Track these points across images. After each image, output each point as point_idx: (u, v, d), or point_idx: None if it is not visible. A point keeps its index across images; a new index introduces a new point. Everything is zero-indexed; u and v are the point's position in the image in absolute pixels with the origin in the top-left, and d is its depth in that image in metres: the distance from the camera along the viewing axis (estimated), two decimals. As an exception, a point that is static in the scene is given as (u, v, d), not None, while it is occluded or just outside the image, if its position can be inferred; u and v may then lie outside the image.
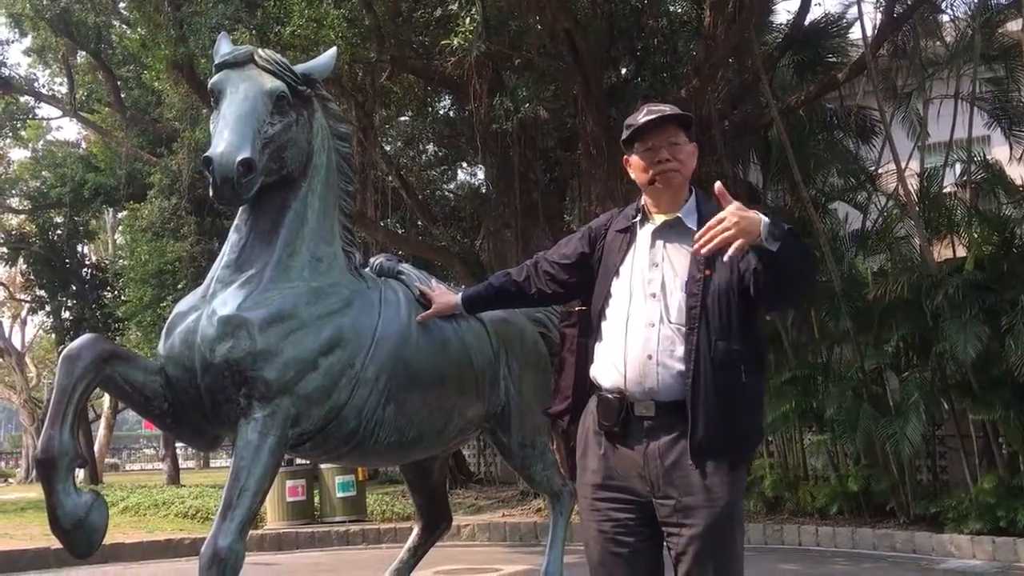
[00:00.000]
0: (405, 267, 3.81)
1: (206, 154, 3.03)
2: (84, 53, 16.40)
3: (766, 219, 2.45)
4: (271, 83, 3.23)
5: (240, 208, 3.38)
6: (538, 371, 4.22)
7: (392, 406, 3.42)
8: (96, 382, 3.04)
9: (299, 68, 3.39)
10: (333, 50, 3.65)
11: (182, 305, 3.36)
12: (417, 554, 4.34)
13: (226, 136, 3.05)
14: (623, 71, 12.93)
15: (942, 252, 10.28)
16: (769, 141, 11.15)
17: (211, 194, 3.06)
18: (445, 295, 3.66)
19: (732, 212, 2.43)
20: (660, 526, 2.64)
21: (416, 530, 4.41)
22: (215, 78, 3.29)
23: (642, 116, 2.76)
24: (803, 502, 9.77)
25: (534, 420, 4.15)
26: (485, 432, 4.15)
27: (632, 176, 2.85)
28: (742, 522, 2.70)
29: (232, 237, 3.38)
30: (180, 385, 3.20)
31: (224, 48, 3.37)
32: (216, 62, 3.33)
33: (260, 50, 3.33)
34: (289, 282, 3.27)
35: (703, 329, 2.60)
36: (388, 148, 15.37)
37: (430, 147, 16.41)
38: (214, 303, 3.21)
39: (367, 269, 3.75)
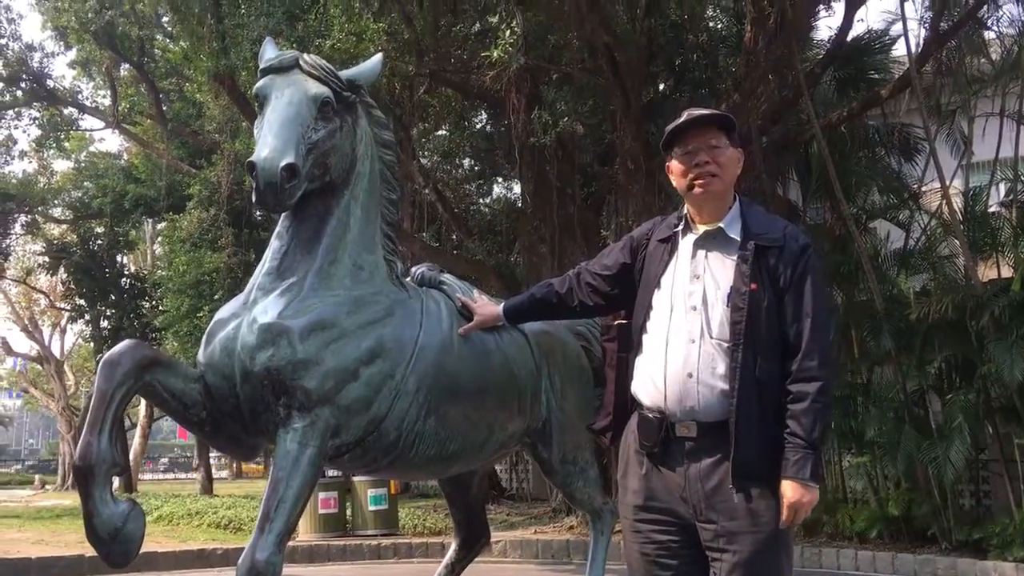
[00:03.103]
0: (447, 277, 3.76)
1: (250, 159, 2.99)
2: (127, 66, 16.62)
3: (810, 488, 2.49)
4: (316, 88, 3.20)
5: (282, 215, 3.35)
6: (581, 385, 4.14)
7: (433, 418, 3.36)
8: (136, 388, 3.01)
9: (344, 74, 3.35)
10: (379, 56, 3.62)
11: (223, 312, 3.33)
12: (455, 571, 4.27)
13: (270, 141, 3.02)
14: (662, 86, 12.89)
15: (987, 272, 10.09)
16: (810, 158, 11.02)
17: (254, 199, 3.02)
18: (487, 306, 3.61)
19: (794, 516, 2.50)
20: (703, 553, 2.56)
21: (454, 545, 4.34)
22: (260, 83, 3.27)
23: (681, 119, 2.69)
24: (842, 525, 9.58)
25: (576, 436, 4.06)
26: (525, 447, 4.07)
27: (673, 183, 2.78)
28: (789, 547, 2.59)
29: (274, 244, 3.35)
30: (219, 393, 3.16)
31: (269, 53, 3.35)
32: (261, 67, 3.31)
33: (305, 55, 3.31)
34: (330, 290, 3.22)
35: (748, 346, 2.51)
36: (425, 161, 15.41)
37: (467, 161, 16.44)
38: (255, 310, 3.18)
39: (409, 279, 3.70)
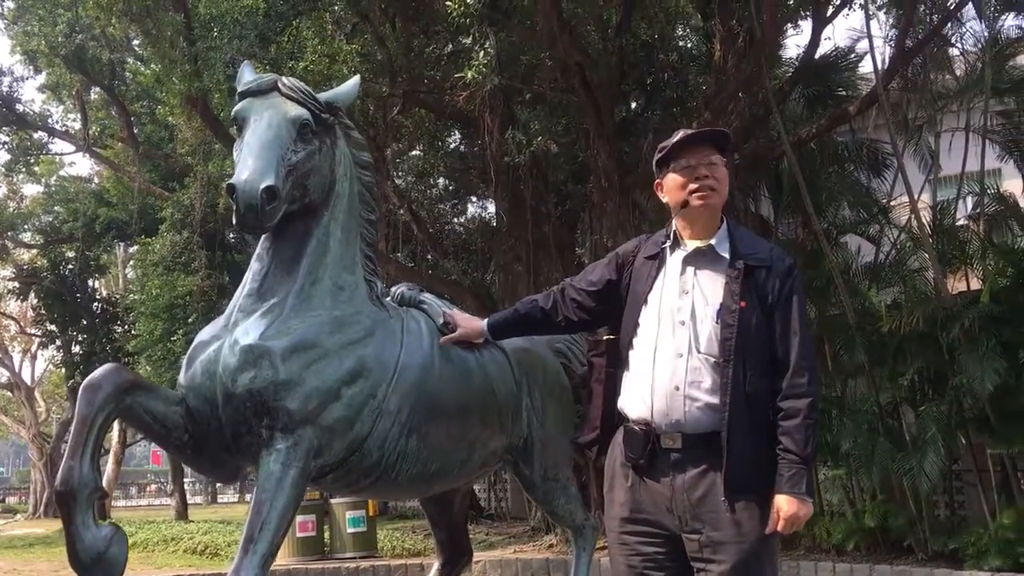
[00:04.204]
0: (427, 297, 3.77)
1: (229, 181, 3.00)
2: (98, 89, 16.55)
3: (806, 502, 2.56)
4: (295, 111, 3.21)
5: (262, 237, 3.36)
6: (561, 403, 4.16)
7: (415, 437, 3.36)
8: (117, 412, 3.00)
9: (323, 96, 3.37)
10: (356, 78, 3.64)
11: (204, 334, 3.32)
12: (437, 590, 4.27)
13: (250, 163, 3.03)
14: (634, 105, 13.01)
15: (956, 285, 10.22)
16: (780, 174, 11.14)
17: (234, 221, 3.03)
18: (471, 320, 3.64)
19: (787, 528, 2.56)
20: (689, 564, 2.59)
21: (436, 565, 4.34)
22: (239, 106, 3.28)
23: (679, 136, 2.74)
24: (819, 538, 9.63)
25: (557, 452, 4.09)
26: (507, 464, 4.08)
27: (664, 200, 2.81)
28: (774, 557, 2.63)
29: (254, 266, 3.35)
30: (201, 416, 3.15)
31: (247, 76, 3.36)
32: (240, 90, 3.32)
33: (284, 78, 3.32)
34: (312, 311, 3.23)
35: (739, 361, 2.56)
36: (400, 182, 15.44)
37: (441, 181, 16.47)
38: (236, 332, 3.17)
39: (389, 298, 3.72)
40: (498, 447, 3.86)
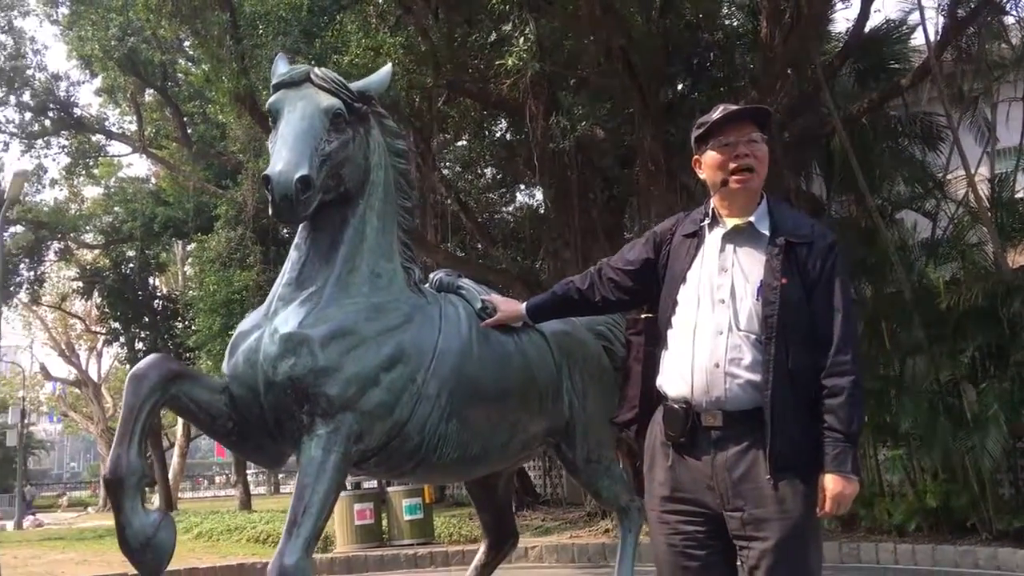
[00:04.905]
0: (465, 282, 3.80)
1: (265, 172, 3.06)
2: (152, 91, 16.89)
3: (851, 480, 2.53)
4: (327, 101, 3.25)
5: (300, 226, 3.41)
6: (602, 385, 4.15)
7: (455, 421, 3.39)
8: (163, 401, 3.08)
9: (355, 85, 3.40)
10: (388, 67, 3.66)
11: (245, 324, 3.39)
12: (484, 573, 4.30)
13: (284, 154, 3.07)
14: (680, 86, 12.86)
15: (1016, 259, 9.97)
16: (832, 151, 10.95)
17: (270, 212, 3.08)
18: (509, 303, 3.65)
19: (833, 507, 2.53)
20: (730, 543, 2.58)
21: (483, 548, 4.37)
22: (272, 98, 3.33)
23: (718, 112, 2.70)
24: (880, 519, 9.48)
25: (599, 434, 4.08)
26: (549, 447, 4.10)
27: (702, 177, 2.78)
28: (818, 536, 2.61)
29: (292, 255, 3.40)
30: (244, 403, 3.22)
31: (281, 68, 3.41)
32: (273, 82, 3.38)
33: (316, 69, 3.36)
34: (349, 298, 3.27)
35: (780, 339, 2.53)
36: (447, 172, 15.49)
37: (488, 170, 16.49)
38: (276, 321, 3.23)
39: (427, 285, 3.75)
40: (539, 430, 3.87)
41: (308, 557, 2.97)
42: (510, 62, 9.13)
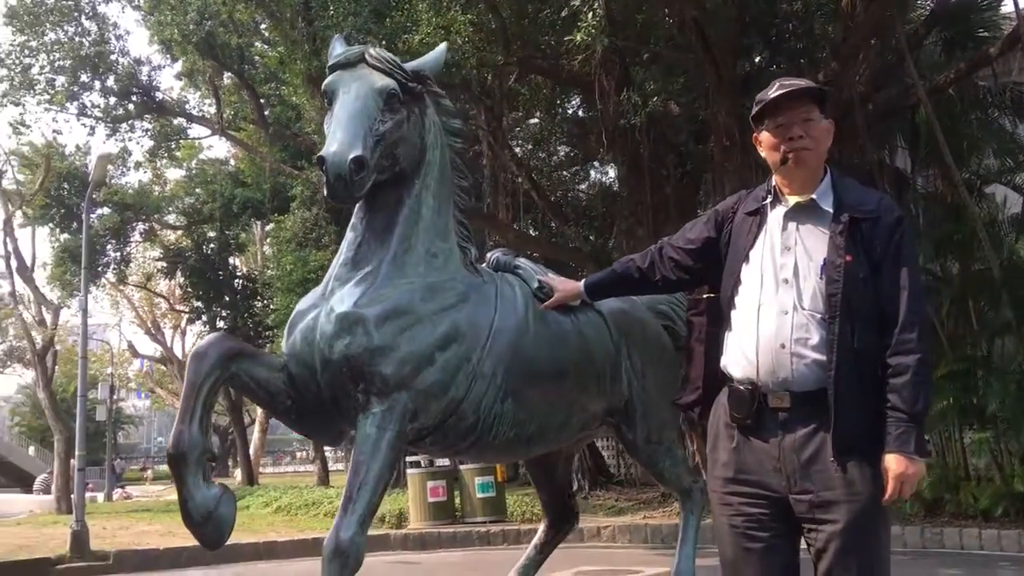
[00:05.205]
0: (522, 261, 3.77)
1: (319, 153, 3.07)
2: (229, 74, 17.20)
3: (915, 461, 2.45)
4: (381, 81, 3.24)
5: (357, 207, 3.42)
6: (662, 364, 4.08)
7: (510, 400, 3.38)
8: (223, 379, 3.13)
9: (410, 65, 3.39)
10: (443, 46, 3.65)
11: (303, 303, 3.43)
12: (544, 551, 4.30)
13: (338, 135, 3.08)
14: (757, 59, 12.57)
15: (1114, 234, 9.54)
16: (917, 123, 10.63)
17: (325, 193, 3.10)
18: (567, 282, 3.62)
19: (898, 488, 2.45)
20: (795, 523, 2.52)
21: (543, 527, 4.37)
22: (328, 80, 3.34)
23: (773, 91, 2.63)
24: (965, 504, 9.21)
25: (660, 415, 4.03)
26: (609, 427, 4.06)
27: (762, 155, 2.72)
28: (886, 519, 2.54)
29: (349, 235, 3.42)
30: (302, 381, 3.25)
31: (337, 50, 3.42)
32: (329, 64, 3.38)
33: (371, 49, 3.36)
34: (404, 278, 3.27)
35: (845, 317, 2.47)
36: (518, 150, 15.44)
37: (561, 148, 16.39)
38: (332, 300, 3.25)
39: (484, 264, 3.73)
40: (597, 410, 3.83)
41: (363, 532, 3.01)
42: (579, 38, 9.02)
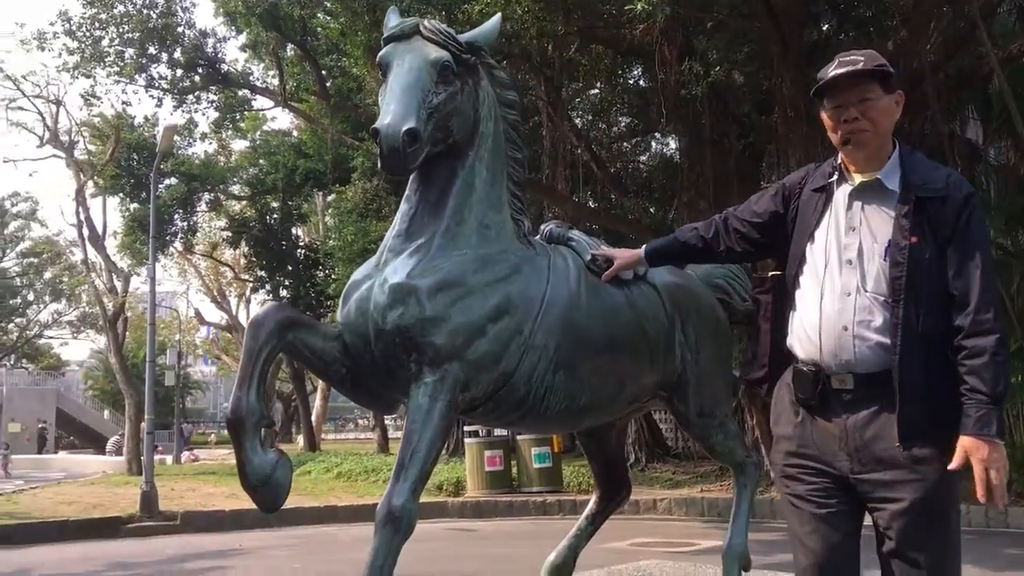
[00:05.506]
0: (575, 234, 3.76)
1: (374, 126, 3.09)
2: (292, 46, 17.35)
3: (997, 444, 2.37)
4: (435, 53, 3.24)
5: (410, 179, 3.44)
6: (717, 338, 4.05)
7: (562, 372, 3.38)
8: (280, 347, 3.19)
9: (463, 37, 3.38)
10: (497, 16, 3.62)
11: (357, 274, 3.47)
12: (595, 522, 4.31)
13: (392, 108, 3.09)
14: (824, 27, 12.29)
15: None
16: (990, 94, 10.31)
17: (379, 165, 3.12)
18: (624, 251, 3.59)
19: (986, 475, 2.35)
20: (858, 502, 2.51)
21: (594, 498, 4.38)
22: (382, 52, 3.35)
23: (832, 69, 2.56)
24: (1031, 484, 9.03)
25: (713, 389, 4.00)
26: (662, 401, 4.05)
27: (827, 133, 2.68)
28: (957, 499, 2.49)
29: (403, 207, 3.44)
30: (356, 351, 3.30)
31: (392, 22, 3.43)
32: (384, 36, 3.40)
33: (426, 21, 3.36)
34: (457, 249, 3.29)
35: (909, 301, 2.43)
36: (578, 122, 15.33)
37: (621, 119, 16.23)
38: (386, 271, 3.28)
39: (537, 236, 3.73)
40: (650, 383, 3.82)
41: (415, 499, 3.05)
42: (640, 6, 8.90)
